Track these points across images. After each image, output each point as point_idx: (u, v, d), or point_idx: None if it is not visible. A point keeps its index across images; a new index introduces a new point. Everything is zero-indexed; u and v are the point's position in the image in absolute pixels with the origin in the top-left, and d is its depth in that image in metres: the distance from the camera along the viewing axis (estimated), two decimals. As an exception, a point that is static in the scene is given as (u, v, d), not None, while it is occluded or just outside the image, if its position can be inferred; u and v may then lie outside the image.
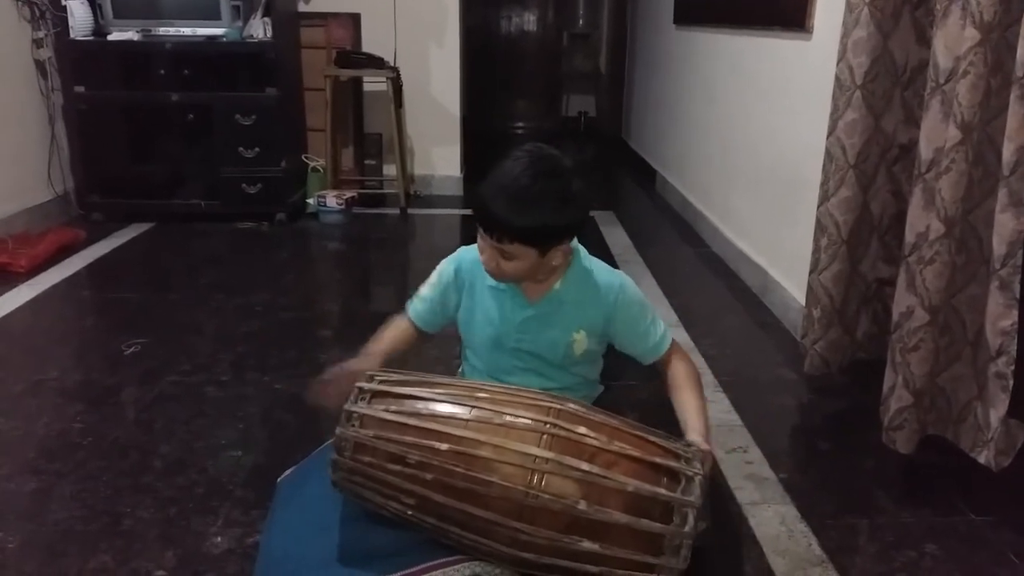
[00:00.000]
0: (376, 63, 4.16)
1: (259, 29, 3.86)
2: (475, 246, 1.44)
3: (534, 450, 1.12)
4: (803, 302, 2.33)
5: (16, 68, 3.64)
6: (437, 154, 4.73)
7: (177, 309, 2.85)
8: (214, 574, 1.49)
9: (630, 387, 1.92)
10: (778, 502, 1.75)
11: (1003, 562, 1.58)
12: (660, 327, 1.49)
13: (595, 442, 1.14)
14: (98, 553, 1.54)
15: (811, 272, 2.17)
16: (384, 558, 1.21)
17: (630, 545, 1.09)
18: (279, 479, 1.53)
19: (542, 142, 1.39)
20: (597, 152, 6.62)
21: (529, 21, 7.56)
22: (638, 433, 1.19)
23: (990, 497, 1.76)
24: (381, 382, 1.25)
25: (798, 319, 2.43)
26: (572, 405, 1.20)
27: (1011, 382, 1.61)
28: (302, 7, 4.35)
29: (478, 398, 1.20)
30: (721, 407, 2.17)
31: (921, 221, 1.74)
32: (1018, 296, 1.58)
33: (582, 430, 1.15)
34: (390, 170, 4.55)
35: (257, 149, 3.85)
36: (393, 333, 1.55)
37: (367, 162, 4.64)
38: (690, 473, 1.14)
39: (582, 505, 1.09)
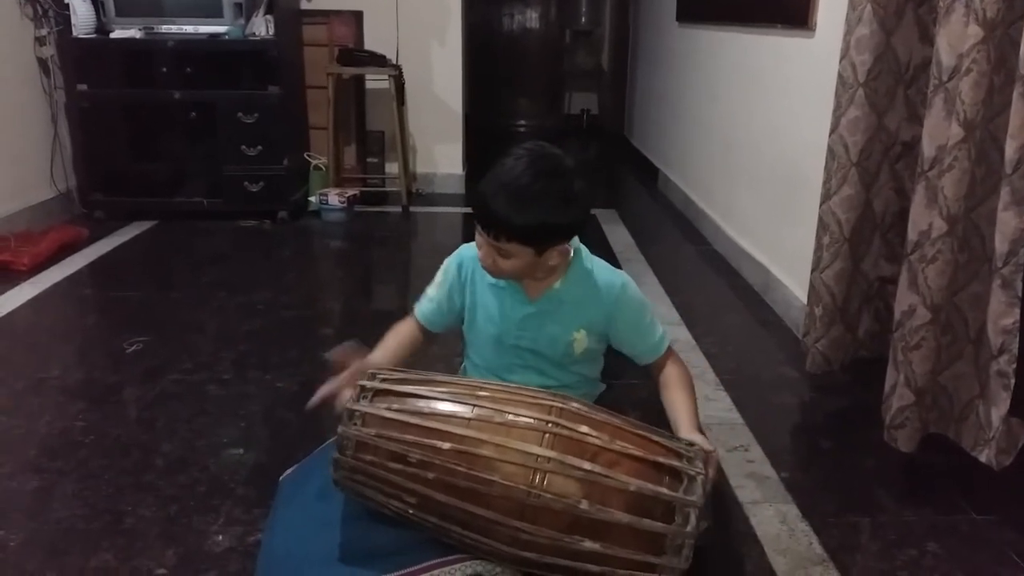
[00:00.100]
0: (378, 61, 4.16)
1: (261, 27, 3.86)
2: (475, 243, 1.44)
3: (536, 449, 1.12)
4: (805, 300, 2.33)
5: (19, 66, 3.64)
6: (439, 152, 4.73)
7: (179, 307, 2.85)
8: (215, 572, 1.49)
9: (632, 386, 1.92)
10: (779, 501, 1.75)
11: (1005, 561, 1.58)
12: (659, 329, 1.49)
13: (597, 441, 1.14)
14: (100, 551, 1.54)
15: (813, 270, 2.17)
16: (385, 556, 1.21)
17: (632, 545, 1.09)
18: (281, 477, 1.53)
19: (544, 140, 1.38)
20: (599, 150, 6.62)
21: (531, 18, 7.55)
22: (640, 432, 1.19)
23: (992, 496, 1.76)
24: (383, 380, 1.25)
25: (800, 317, 2.43)
26: (574, 404, 1.20)
27: (1013, 381, 1.60)
28: (304, 5, 4.34)
29: (480, 396, 1.20)
30: (722, 405, 2.17)
31: (923, 219, 1.73)
32: (1020, 294, 1.58)
33: (584, 429, 1.15)
34: (392, 168, 4.55)
35: (259, 147, 3.85)
36: (399, 340, 1.54)
37: (369, 160, 4.63)
38: (692, 472, 1.13)
39: (584, 504, 1.09)
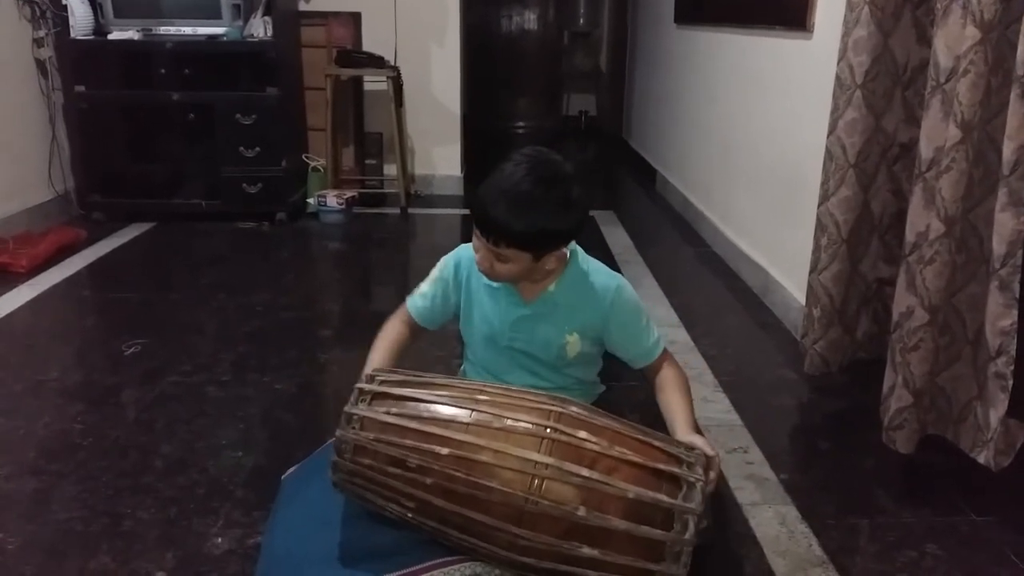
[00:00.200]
0: (377, 62, 4.16)
1: (260, 28, 3.86)
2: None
3: (534, 455, 1.11)
4: (804, 302, 2.33)
5: (17, 67, 3.64)
6: (438, 153, 4.73)
7: (178, 309, 2.85)
8: (215, 575, 1.49)
9: (631, 388, 1.92)
10: (778, 502, 1.75)
11: (1004, 562, 1.58)
12: (654, 333, 1.49)
13: (596, 447, 1.13)
14: (98, 554, 1.54)
15: (811, 272, 2.17)
16: (385, 557, 1.21)
17: (630, 551, 1.09)
18: (283, 476, 1.53)
19: (542, 141, 1.39)
20: (598, 151, 6.62)
21: (530, 20, 7.55)
22: (640, 437, 1.19)
23: (991, 497, 1.76)
24: (381, 383, 1.25)
25: (799, 319, 2.43)
26: (574, 408, 1.19)
27: (1011, 382, 1.61)
28: (303, 6, 4.34)
29: (479, 401, 1.20)
30: (721, 407, 2.17)
31: (921, 220, 1.74)
32: (1018, 296, 1.58)
33: (583, 435, 1.14)
34: (391, 170, 4.55)
35: (258, 148, 3.85)
36: (390, 343, 1.53)
37: (367, 162, 4.63)
38: (692, 479, 1.13)
39: (582, 511, 1.08)
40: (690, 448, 1.21)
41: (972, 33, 1.56)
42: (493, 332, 1.46)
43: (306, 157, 4.27)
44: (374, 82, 4.44)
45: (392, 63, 4.30)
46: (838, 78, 2.02)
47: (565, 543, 1.09)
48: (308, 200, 4.14)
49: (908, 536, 1.64)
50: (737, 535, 1.64)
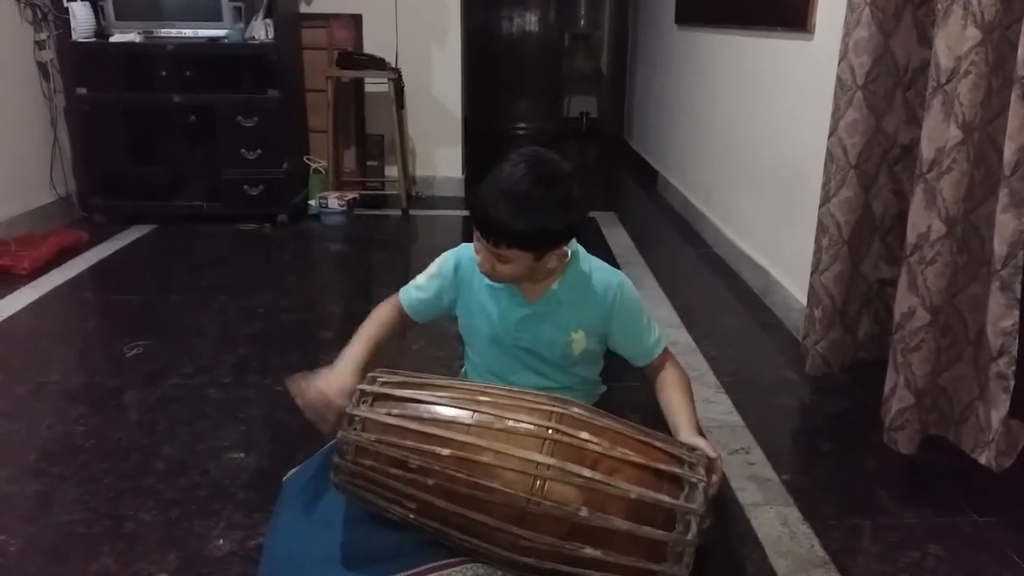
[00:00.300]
0: (378, 64, 4.16)
1: (261, 30, 3.87)
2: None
3: (536, 456, 1.11)
4: (805, 302, 2.33)
5: (18, 70, 3.64)
6: (439, 155, 4.73)
7: (179, 311, 2.85)
8: (216, 577, 1.49)
9: (632, 388, 1.92)
10: (780, 503, 1.75)
11: (1006, 563, 1.58)
12: (656, 330, 1.49)
13: (597, 448, 1.13)
14: (100, 556, 1.54)
15: (812, 272, 2.17)
16: (387, 559, 1.21)
17: (632, 552, 1.09)
18: (284, 478, 1.53)
19: (543, 143, 1.39)
20: (599, 153, 6.63)
21: (530, 21, 7.55)
22: (642, 438, 1.19)
23: (993, 498, 1.76)
24: (383, 384, 1.25)
25: (800, 320, 2.43)
26: (576, 409, 1.19)
27: (1012, 383, 1.61)
28: (304, 8, 4.35)
29: (480, 402, 1.20)
30: (723, 408, 2.17)
31: (922, 221, 1.74)
32: (1019, 296, 1.58)
33: (585, 435, 1.14)
34: (392, 171, 4.55)
35: (259, 151, 3.85)
36: (377, 329, 1.54)
37: (369, 163, 4.64)
38: (694, 480, 1.13)
39: (584, 512, 1.08)
40: (692, 449, 1.21)
41: (973, 34, 1.56)
42: (497, 333, 1.46)
43: (307, 159, 4.27)
44: (375, 84, 4.45)
45: (393, 65, 4.30)
46: (839, 79, 2.02)
47: (567, 544, 1.09)
48: (309, 202, 4.15)
49: (910, 537, 1.64)
50: (739, 535, 1.64)
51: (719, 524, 1.61)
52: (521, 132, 7.66)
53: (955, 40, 1.63)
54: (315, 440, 1.70)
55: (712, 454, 1.22)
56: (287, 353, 2.47)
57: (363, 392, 1.23)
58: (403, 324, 1.57)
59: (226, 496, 1.74)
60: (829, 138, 2.06)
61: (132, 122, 3.85)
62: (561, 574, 1.11)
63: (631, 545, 1.09)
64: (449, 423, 1.17)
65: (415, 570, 1.19)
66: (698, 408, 1.45)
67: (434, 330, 1.59)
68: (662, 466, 1.14)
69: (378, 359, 1.45)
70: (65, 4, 3.68)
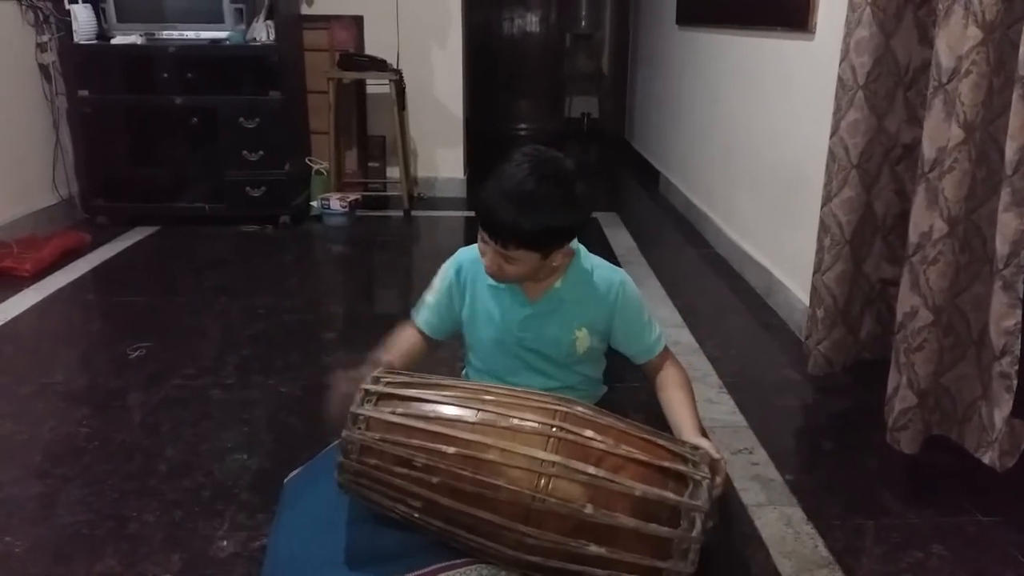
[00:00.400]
0: (379, 65, 4.16)
1: (262, 32, 3.87)
2: (474, 247, 1.44)
3: (541, 454, 1.12)
4: (807, 302, 2.33)
5: (20, 72, 3.65)
6: (440, 156, 4.73)
7: (182, 312, 2.86)
8: (220, 577, 1.50)
9: (634, 388, 1.92)
10: (784, 503, 1.75)
11: (1010, 563, 1.58)
12: (656, 328, 1.49)
13: (602, 445, 1.14)
14: (104, 557, 1.54)
15: (814, 272, 2.17)
16: (391, 559, 1.21)
17: (637, 549, 1.09)
18: (286, 479, 1.53)
19: (545, 144, 1.39)
20: (600, 153, 6.63)
21: (531, 22, 7.56)
22: (645, 436, 1.19)
23: (996, 497, 1.76)
24: (387, 384, 1.25)
25: (803, 320, 2.43)
26: (579, 408, 1.20)
27: (1015, 382, 1.61)
28: (305, 10, 4.35)
29: (484, 401, 1.20)
30: (726, 408, 2.17)
31: (924, 221, 1.74)
32: (1021, 296, 1.58)
33: (589, 433, 1.15)
34: (393, 172, 4.56)
35: (261, 152, 3.85)
36: (402, 346, 1.53)
37: (370, 164, 4.64)
38: (698, 477, 1.13)
39: (589, 509, 1.09)
40: (695, 448, 1.21)
41: (974, 33, 1.56)
42: (500, 334, 1.46)
43: (309, 160, 4.28)
44: (377, 85, 4.45)
45: (394, 66, 4.31)
46: (840, 79, 2.02)
47: (572, 541, 1.09)
48: (311, 203, 4.15)
49: (914, 537, 1.64)
50: (743, 536, 1.64)
51: (723, 524, 1.62)
52: (522, 133, 7.66)
53: (956, 40, 1.63)
54: (318, 441, 1.71)
55: (715, 455, 1.22)
56: (289, 354, 2.47)
57: (367, 391, 1.23)
58: (425, 346, 1.56)
59: (229, 497, 1.74)
60: (831, 138, 2.06)
61: (134, 124, 3.86)
62: (567, 572, 1.11)
63: (636, 542, 1.09)
64: (454, 421, 1.17)
65: (419, 571, 1.19)
66: (701, 408, 1.45)
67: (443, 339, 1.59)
68: (666, 463, 1.15)
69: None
70: (67, 6, 3.68)
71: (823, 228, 2.12)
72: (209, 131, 3.84)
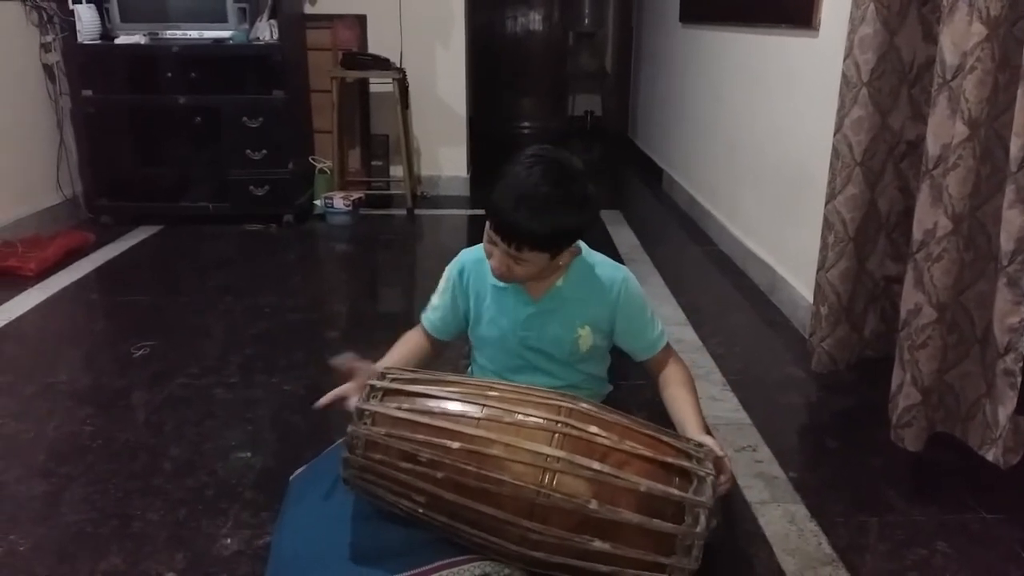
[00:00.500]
0: (382, 64, 4.16)
1: (265, 31, 3.87)
2: (477, 247, 1.44)
3: (545, 449, 1.12)
4: (811, 300, 2.33)
5: (24, 72, 3.66)
6: (444, 155, 4.73)
7: (186, 311, 2.86)
8: None
9: (638, 386, 1.92)
10: (788, 501, 1.75)
11: (1015, 560, 1.57)
12: (658, 325, 1.50)
13: (607, 441, 1.14)
14: (108, 555, 1.54)
15: (818, 270, 2.17)
16: (395, 556, 1.22)
17: (641, 545, 1.09)
18: (291, 477, 1.54)
19: (548, 142, 1.39)
20: (603, 151, 6.62)
21: (535, 20, 7.56)
22: (650, 432, 1.19)
23: (1001, 494, 1.76)
24: (393, 380, 1.26)
25: (807, 317, 2.42)
26: (584, 404, 1.20)
27: (1019, 379, 1.60)
28: (308, 9, 4.36)
29: (489, 396, 1.21)
30: (729, 406, 2.17)
31: (929, 218, 1.73)
32: (1027, 293, 1.58)
33: (593, 429, 1.15)
34: (397, 171, 4.56)
35: (264, 151, 3.86)
36: (408, 347, 1.55)
37: (374, 163, 4.64)
38: (702, 473, 1.14)
39: (593, 504, 1.09)
40: (699, 445, 1.21)
41: (978, 30, 1.56)
42: (504, 333, 1.47)
43: (312, 159, 4.28)
44: (380, 84, 4.46)
45: (398, 65, 4.31)
46: (844, 76, 2.01)
47: (577, 536, 1.09)
48: (315, 202, 4.15)
49: (918, 534, 1.64)
50: (746, 533, 1.63)
51: (726, 522, 1.62)
52: (526, 131, 7.67)
53: (960, 36, 1.63)
54: (322, 439, 1.71)
55: (720, 452, 1.22)
56: (293, 353, 2.47)
57: (373, 387, 1.24)
58: (433, 348, 1.57)
59: (233, 496, 1.74)
60: (835, 135, 2.06)
61: (138, 123, 3.87)
62: (571, 568, 1.11)
63: (640, 538, 1.09)
64: (459, 417, 1.18)
65: (423, 568, 1.19)
66: (704, 406, 1.45)
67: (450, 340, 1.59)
68: (670, 460, 1.15)
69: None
70: (70, 6, 3.69)
71: (827, 225, 2.12)
72: (213, 130, 3.85)
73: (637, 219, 4.21)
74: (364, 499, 1.27)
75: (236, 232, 3.87)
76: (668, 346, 1.50)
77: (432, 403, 1.21)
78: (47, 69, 3.78)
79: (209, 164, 3.89)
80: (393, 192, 4.56)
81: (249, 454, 1.91)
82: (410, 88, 4.40)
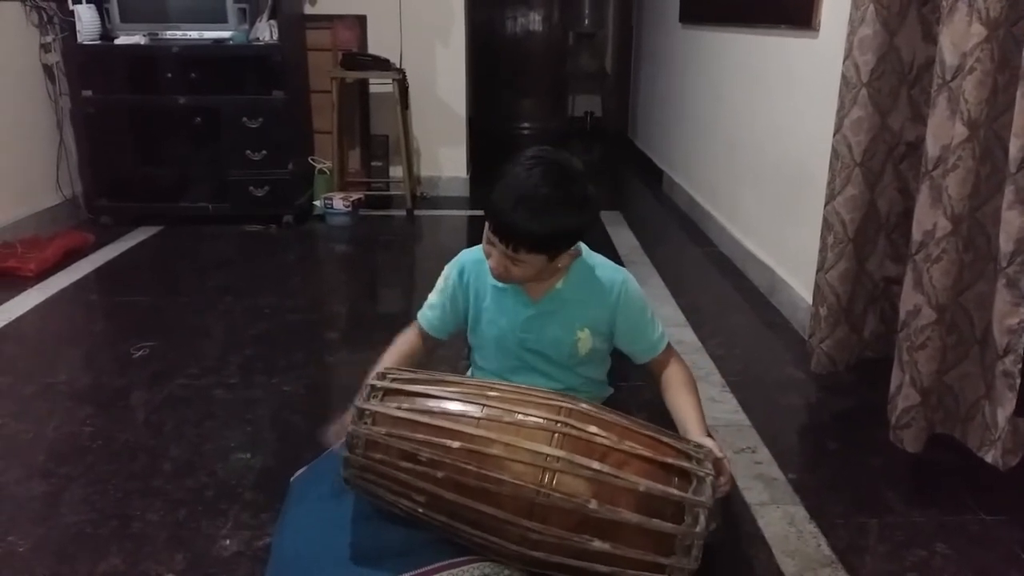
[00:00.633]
0: (382, 65, 4.17)
1: (265, 32, 3.87)
2: (477, 248, 1.44)
3: (545, 449, 1.12)
4: (811, 301, 2.33)
5: (24, 73, 3.66)
6: (443, 155, 4.73)
7: (185, 312, 2.86)
8: (224, 576, 1.50)
9: (638, 388, 1.92)
10: (787, 502, 1.75)
11: (1014, 562, 1.57)
12: (659, 326, 1.50)
13: (606, 441, 1.14)
14: (108, 556, 1.54)
15: (818, 271, 2.17)
16: (395, 557, 1.22)
17: (641, 545, 1.09)
18: (292, 478, 1.54)
19: (548, 142, 1.39)
20: (603, 152, 6.62)
21: (534, 21, 7.56)
22: (649, 433, 1.19)
23: (1000, 496, 1.76)
24: (393, 380, 1.26)
25: (806, 318, 2.42)
26: (583, 404, 1.20)
27: (1018, 380, 1.60)
28: (308, 9, 4.36)
29: (489, 396, 1.21)
30: (729, 407, 2.17)
31: (928, 219, 1.73)
32: (1026, 294, 1.58)
33: (593, 429, 1.15)
34: (396, 172, 4.56)
35: (264, 152, 3.86)
36: (401, 351, 1.54)
37: (373, 164, 4.64)
38: (701, 473, 1.14)
39: (593, 504, 1.09)
40: (699, 445, 1.21)
41: (978, 31, 1.56)
42: (503, 334, 1.46)
43: (312, 160, 4.28)
44: (380, 84, 4.46)
45: (397, 65, 4.31)
46: (844, 77, 2.01)
47: (576, 536, 1.09)
48: (314, 202, 4.15)
49: (917, 535, 1.64)
50: (746, 535, 1.63)
51: (726, 523, 1.62)
52: (525, 131, 7.67)
53: (960, 37, 1.63)
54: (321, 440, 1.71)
55: (719, 454, 1.22)
56: (293, 354, 2.47)
57: (373, 387, 1.24)
58: (427, 346, 1.57)
59: (233, 496, 1.74)
60: (834, 136, 2.06)
61: (137, 124, 3.87)
62: (570, 568, 1.11)
63: (640, 538, 1.09)
64: (459, 417, 1.18)
65: (423, 569, 1.19)
66: (704, 407, 1.45)
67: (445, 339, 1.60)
68: (670, 460, 1.15)
69: None
70: (70, 7, 3.68)
71: (826, 226, 2.12)
72: (212, 131, 3.85)
73: (637, 220, 4.21)
74: (364, 500, 1.27)
75: (236, 233, 3.87)
76: (669, 347, 1.50)
77: (432, 403, 1.21)
78: (47, 69, 3.78)
79: (209, 164, 3.89)
80: (393, 193, 4.56)
81: (249, 455, 1.91)
82: (410, 89, 4.40)
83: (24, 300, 2.90)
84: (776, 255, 3.03)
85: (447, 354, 2.23)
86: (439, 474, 1.14)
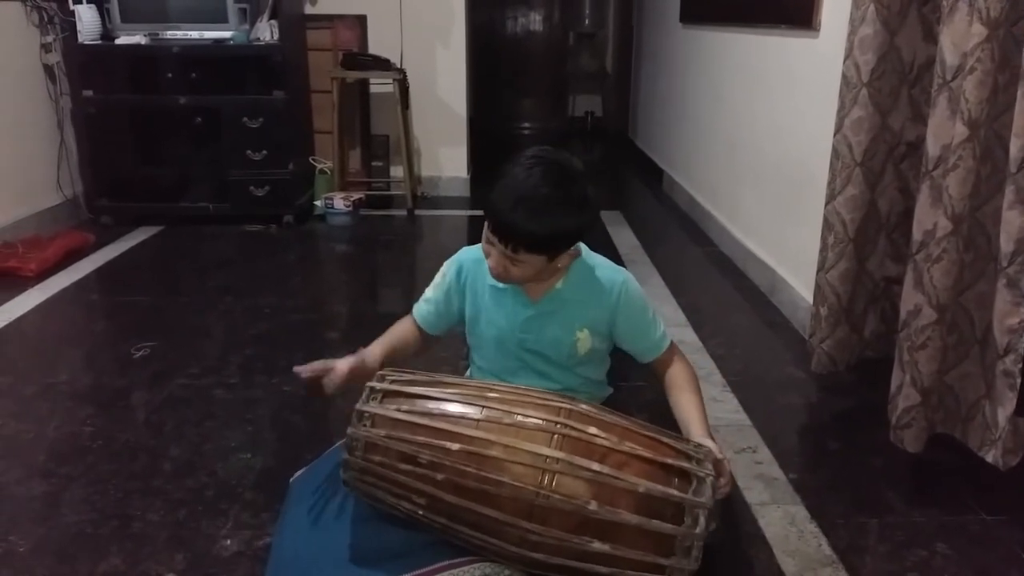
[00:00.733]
0: (382, 65, 4.17)
1: (266, 32, 3.88)
2: (477, 247, 1.44)
3: (545, 450, 1.12)
4: (811, 301, 2.32)
5: (25, 73, 3.66)
6: (444, 155, 4.73)
7: (186, 312, 2.86)
8: (224, 576, 1.50)
9: (638, 388, 1.92)
10: (788, 502, 1.75)
11: (1015, 562, 1.57)
12: (660, 326, 1.49)
13: (606, 442, 1.14)
14: (108, 556, 1.54)
15: (818, 270, 2.17)
16: (394, 558, 1.22)
17: (641, 546, 1.09)
18: (291, 479, 1.54)
19: (548, 142, 1.39)
20: (604, 152, 6.62)
21: (535, 21, 7.56)
22: (649, 434, 1.19)
23: (1001, 496, 1.76)
24: (392, 382, 1.26)
25: (807, 318, 2.42)
26: (583, 405, 1.20)
27: (1019, 380, 1.60)
28: (308, 9, 4.36)
29: (489, 398, 1.21)
30: (729, 407, 2.17)
31: (928, 218, 1.73)
32: (1027, 294, 1.57)
33: (593, 430, 1.15)
34: (397, 171, 4.56)
35: (265, 152, 3.86)
36: (395, 335, 1.55)
37: (374, 164, 4.64)
38: (701, 474, 1.13)
39: (593, 505, 1.09)
40: (699, 446, 1.21)
41: (979, 30, 1.56)
42: (502, 334, 1.46)
43: (313, 160, 4.28)
44: (380, 84, 4.46)
45: (398, 65, 4.31)
46: (844, 76, 2.01)
47: (576, 538, 1.09)
48: (315, 202, 4.15)
49: (918, 535, 1.64)
50: (746, 535, 1.63)
51: (726, 524, 1.62)
52: (526, 131, 7.67)
53: (961, 37, 1.62)
54: (322, 440, 1.71)
55: (719, 455, 1.22)
56: (293, 354, 2.47)
57: (373, 389, 1.24)
58: (422, 339, 1.57)
59: (233, 496, 1.74)
60: (834, 136, 2.06)
61: (138, 124, 3.87)
62: (570, 569, 1.11)
63: (640, 539, 1.09)
64: (458, 419, 1.18)
65: (423, 570, 1.19)
66: (705, 407, 1.45)
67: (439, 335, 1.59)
68: (670, 460, 1.15)
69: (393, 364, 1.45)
70: (71, 7, 3.69)
71: (827, 226, 2.12)
72: (213, 131, 3.85)
73: (637, 220, 4.21)
74: (364, 501, 1.27)
75: (236, 232, 3.87)
76: (672, 346, 1.50)
77: (431, 404, 1.21)
78: (47, 69, 3.78)
79: (209, 165, 3.89)
80: (393, 193, 4.56)
81: (249, 455, 1.91)
82: (410, 88, 4.40)
83: (25, 300, 2.90)
84: (776, 255, 3.03)
85: (447, 354, 2.23)
86: (439, 476, 1.14)
